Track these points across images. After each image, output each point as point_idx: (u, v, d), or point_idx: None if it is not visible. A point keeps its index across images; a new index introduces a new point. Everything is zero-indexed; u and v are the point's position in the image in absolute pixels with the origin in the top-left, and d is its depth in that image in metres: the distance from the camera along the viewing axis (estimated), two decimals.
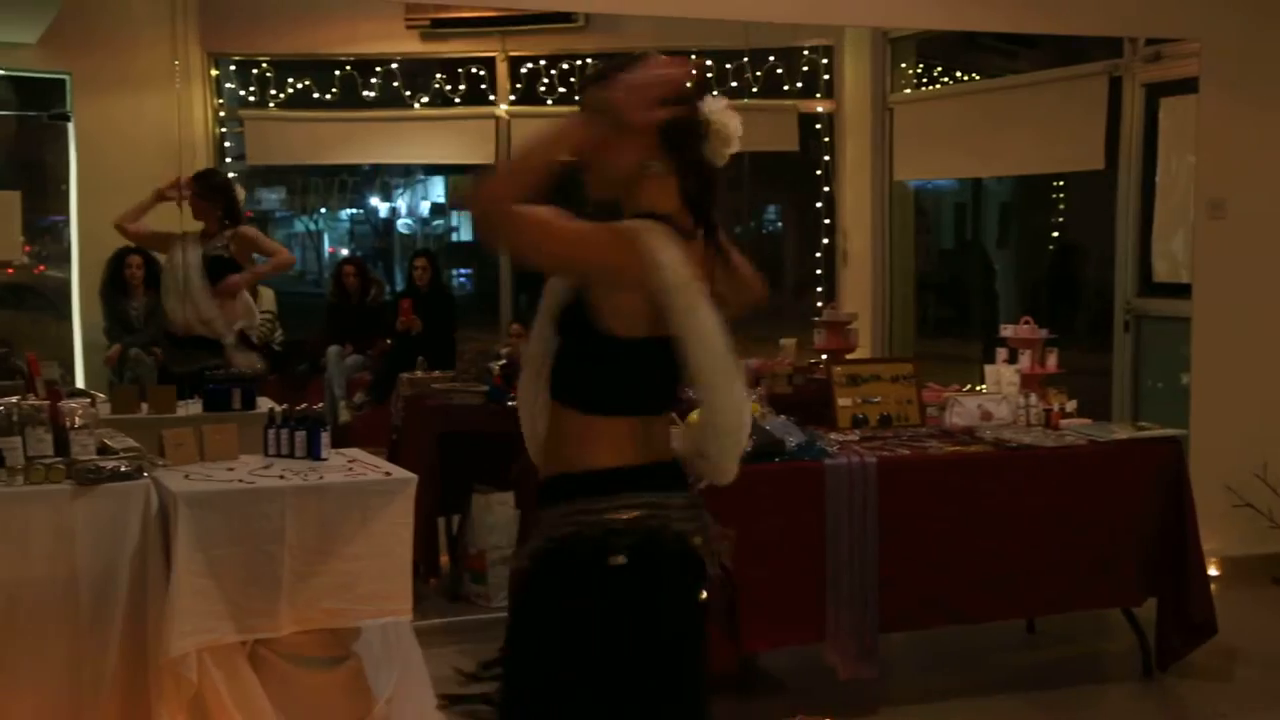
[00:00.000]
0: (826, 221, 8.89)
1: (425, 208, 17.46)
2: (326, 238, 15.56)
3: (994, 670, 5.00)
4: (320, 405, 4.45)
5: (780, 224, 11.93)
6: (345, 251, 14.04)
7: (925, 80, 8.77)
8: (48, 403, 3.85)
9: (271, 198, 13.17)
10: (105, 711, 3.62)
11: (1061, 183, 9.14)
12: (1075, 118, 7.19)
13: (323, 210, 14.62)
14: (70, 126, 8.60)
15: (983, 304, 10.66)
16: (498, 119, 8.95)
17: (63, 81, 8.56)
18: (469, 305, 12.73)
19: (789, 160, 9.11)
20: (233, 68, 9.07)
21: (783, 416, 4.63)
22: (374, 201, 14.81)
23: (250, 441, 4.23)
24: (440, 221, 17.97)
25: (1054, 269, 9.84)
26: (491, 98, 8.95)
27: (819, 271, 8.95)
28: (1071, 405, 5.12)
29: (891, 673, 4.73)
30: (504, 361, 5.88)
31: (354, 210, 14.99)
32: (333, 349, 8.51)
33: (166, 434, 4.02)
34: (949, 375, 6.64)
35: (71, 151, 8.61)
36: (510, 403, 5.63)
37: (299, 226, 15.68)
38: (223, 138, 9.08)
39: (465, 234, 17.95)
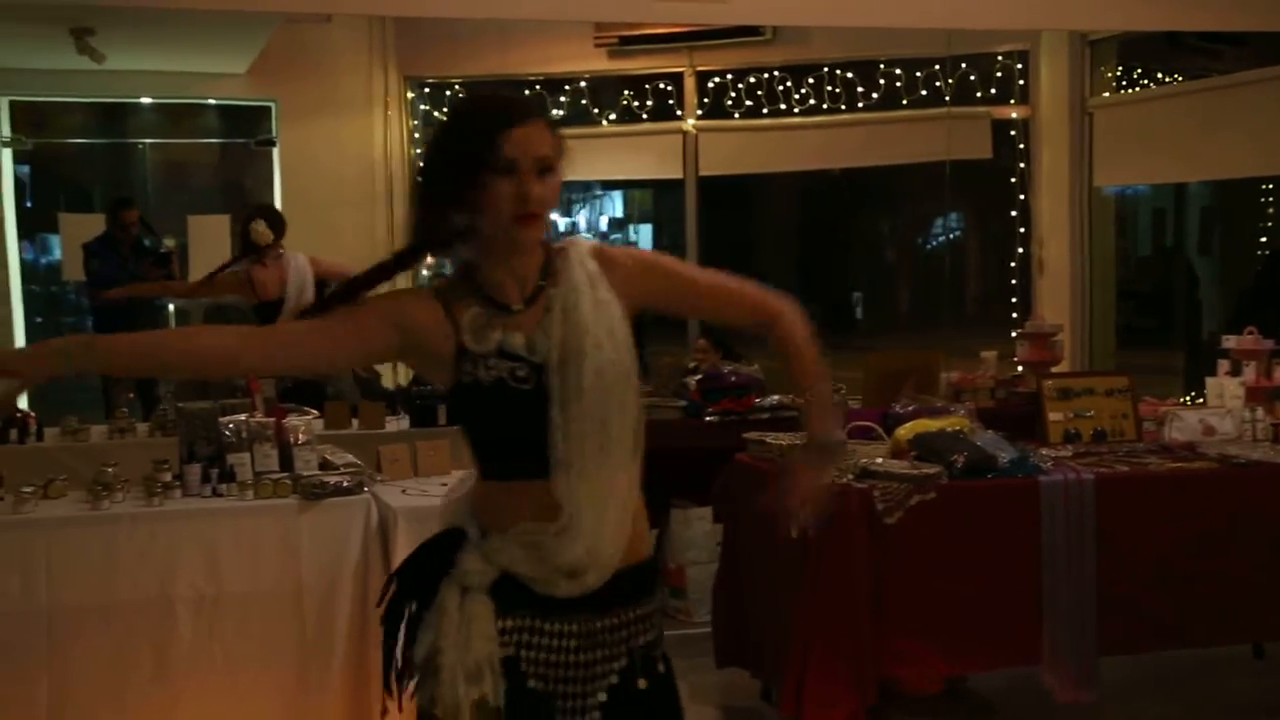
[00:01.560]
0: (1021, 230, 8.66)
1: (604, 222, 17.66)
2: None
3: (1221, 697, 4.75)
4: None
5: (969, 232, 11.69)
6: None
7: (1126, 83, 8.47)
8: (273, 420, 3.99)
9: None
10: None
11: (1270, 186, 8.72)
12: None
13: None
14: (274, 152, 8.95)
15: (1185, 313, 10.24)
16: (685, 134, 8.97)
17: (268, 109, 8.92)
18: (652, 319, 12.79)
19: (982, 168, 8.89)
20: (426, 90, 9.30)
21: (991, 431, 4.50)
22: (553, 216, 14.98)
23: (460, 457, 4.31)
24: (619, 235, 18.14)
25: (1263, 276, 9.38)
26: (679, 113, 8.98)
27: (1014, 281, 8.71)
28: None
29: (1110, 698, 4.53)
30: (700, 376, 5.88)
31: None
32: None
33: (383, 450, 4.13)
34: (1149, 387, 6.37)
35: (275, 176, 8.95)
36: (709, 418, 5.65)
37: None
38: (417, 159, 9.31)
39: (645, 247, 18.11)
